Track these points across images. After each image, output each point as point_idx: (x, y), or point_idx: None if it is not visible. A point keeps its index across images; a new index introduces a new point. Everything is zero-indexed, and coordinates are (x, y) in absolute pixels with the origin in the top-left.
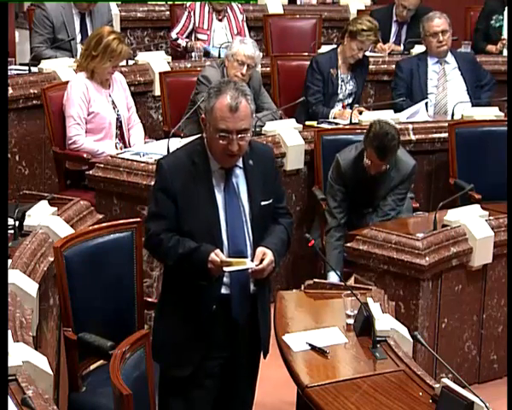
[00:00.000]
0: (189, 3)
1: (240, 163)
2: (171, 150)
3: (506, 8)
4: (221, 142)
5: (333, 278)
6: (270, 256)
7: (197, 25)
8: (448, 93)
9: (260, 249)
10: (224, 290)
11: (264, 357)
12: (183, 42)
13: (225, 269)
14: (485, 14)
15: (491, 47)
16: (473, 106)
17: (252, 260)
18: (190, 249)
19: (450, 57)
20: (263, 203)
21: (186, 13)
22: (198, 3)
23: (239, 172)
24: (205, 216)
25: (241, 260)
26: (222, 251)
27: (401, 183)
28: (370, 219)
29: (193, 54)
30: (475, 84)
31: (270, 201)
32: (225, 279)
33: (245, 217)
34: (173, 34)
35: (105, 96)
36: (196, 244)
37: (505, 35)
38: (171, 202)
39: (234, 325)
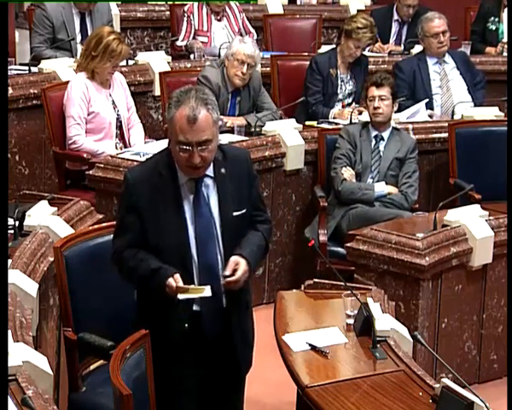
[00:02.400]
0: (186, 7)
1: (210, 172)
2: None
3: (505, 9)
4: (182, 154)
5: (379, 187)
6: (243, 266)
7: (196, 27)
8: (453, 93)
9: (233, 259)
10: (195, 307)
11: (245, 373)
12: (183, 42)
13: (179, 296)
14: (481, 16)
15: (490, 49)
16: (475, 105)
17: (224, 271)
18: (150, 271)
19: (447, 57)
20: (235, 214)
21: (185, 18)
22: (195, 6)
23: (209, 182)
24: (172, 231)
25: (199, 287)
26: (191, 267)
27: (408, 153)
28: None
29: (196, 54)
30: (473, 82)
31: (244, 210)
32: None
33: (216, 229)
34: (179, 42)
35: (105, 96)
36: (157, 265)
37: (505, 38)
38: (136, 216)
39: (207, 343)
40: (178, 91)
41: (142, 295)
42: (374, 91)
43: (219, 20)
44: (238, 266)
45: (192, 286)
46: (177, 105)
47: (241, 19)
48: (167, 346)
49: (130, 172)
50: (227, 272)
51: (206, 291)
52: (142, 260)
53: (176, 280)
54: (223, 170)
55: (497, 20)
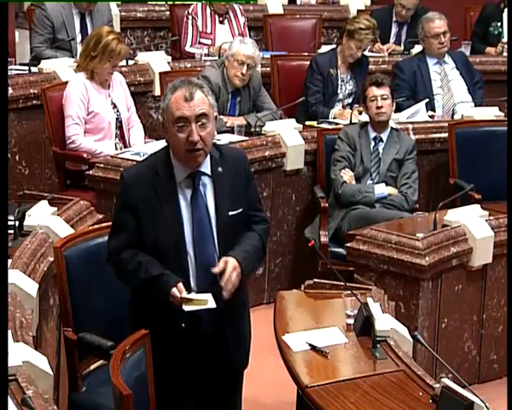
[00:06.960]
0: (190, 9)
1: (208, 170)
2: None
3: (505, 10)
4: (180, 135)
5: (380, 189)
6: (231, 264)
7: (200, 29)
8: (454, 93)
9: (223, 259)
10: None
11: (240, 372)
12: (201, 49)
13: (184, 308)
14: (483, 19)
15: (490, 49)
16: (476, 105)
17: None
18: (152, 277)
19: (447, 57)
20: (231, 213)
21: (190, 20)
22: (199, 7)
23: (207, 180)
24: (169, 229)
25: (203, 298)
26: (187, 265)
27: (406, 154)
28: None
29: (196, 55)
30: (472, 82)
31: (240, 210)
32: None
33: (212, 228)
34: (187, 48)
35: (104, 96)
36: (159, 271)
37: (505, 38)
38: (133, 215)
39: (202, 341)
40: (173, 81)
41: (137, 296)
42: (375, 91)
43: (222, 23)
44: (227, 264)
45: (195, 296)
46: (172, 91)
47: (244, 23)
48: (164, 345)
49: (126, 172)
50: (216, 270)
51: (210, 303)
52: (142, 263)
53: (179, 290)
54: (220, 168)
55: (499, 24)
